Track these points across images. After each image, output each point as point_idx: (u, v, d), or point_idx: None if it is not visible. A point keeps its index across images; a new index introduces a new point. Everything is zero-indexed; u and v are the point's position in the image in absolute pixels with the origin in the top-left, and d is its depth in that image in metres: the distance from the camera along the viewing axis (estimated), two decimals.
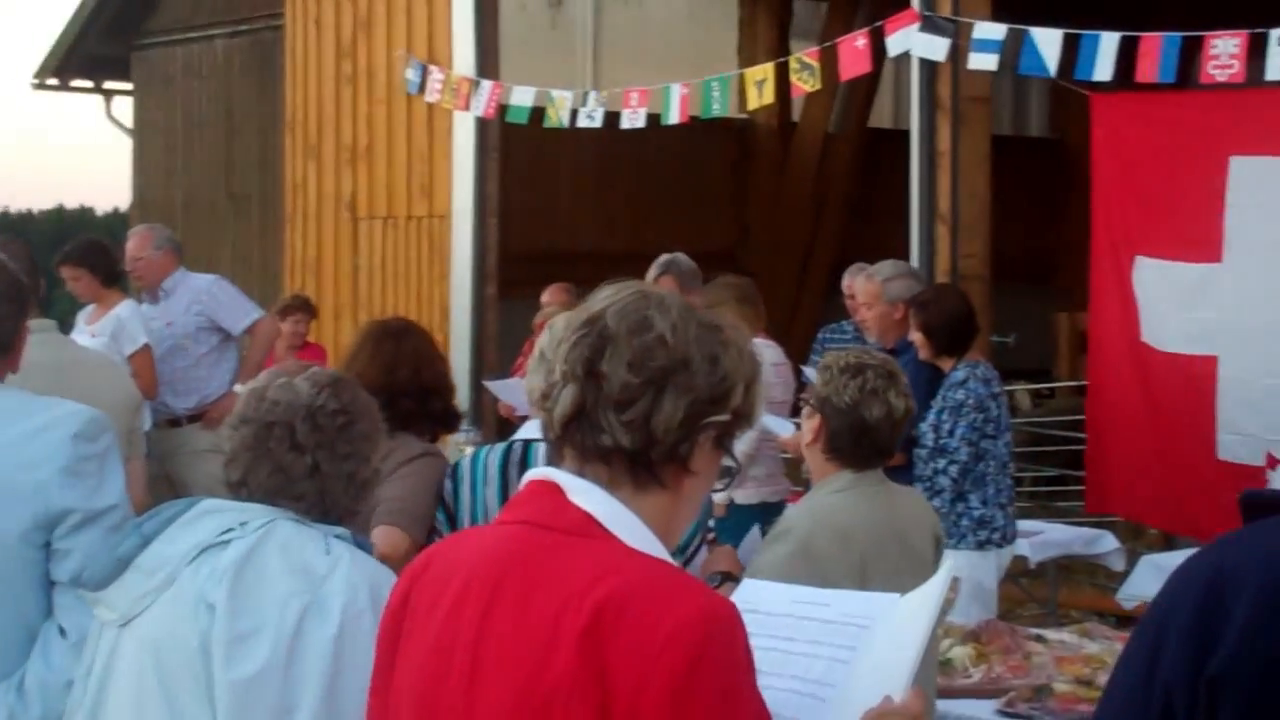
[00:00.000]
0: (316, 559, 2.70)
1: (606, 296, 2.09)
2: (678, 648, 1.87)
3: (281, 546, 2.70)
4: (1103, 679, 4.40)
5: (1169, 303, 8.27)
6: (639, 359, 2.02)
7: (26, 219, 26.60)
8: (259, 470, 2.80)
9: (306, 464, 2.80)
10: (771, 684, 2.24)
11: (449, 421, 4.38)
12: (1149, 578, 6.64)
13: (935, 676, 4.06)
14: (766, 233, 15.28)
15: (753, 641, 2.34)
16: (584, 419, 2.04)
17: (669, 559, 2.04)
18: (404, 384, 4.19)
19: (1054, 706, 4.26)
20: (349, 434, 2.84)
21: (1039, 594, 8.52)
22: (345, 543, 2.77)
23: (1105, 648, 4.67)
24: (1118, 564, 7.56)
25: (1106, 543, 7.57)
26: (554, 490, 2.05)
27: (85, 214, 28.80)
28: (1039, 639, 4.75)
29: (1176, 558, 6.80)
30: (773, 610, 2.42)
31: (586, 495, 2.04)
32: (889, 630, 2.35)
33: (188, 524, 2.74)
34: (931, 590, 2.39)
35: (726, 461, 2.13)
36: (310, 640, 2.63)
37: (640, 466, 2.03)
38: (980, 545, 6.36)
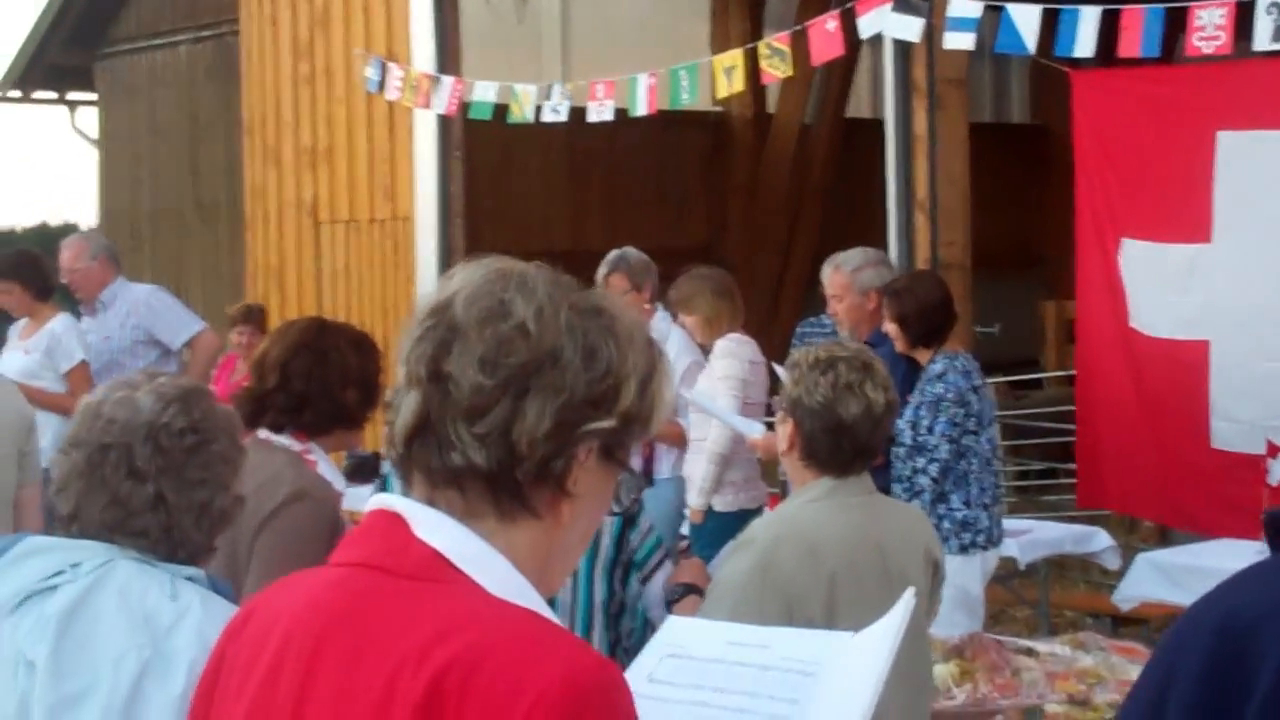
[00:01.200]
0: (160, 606, 2.33)
1: (460, 278, 1.71)
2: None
3: (119, 592, 2.34)
4: (1099, 697, 4.07)
5: (1158, 286, 8.03)
6: (493, 355, 1.64)
7: (9, 236, 26.20)
8: (93, 502, 2.43)
9: (148, 493, 2.43)
10: None
11: (359, 418, 3.84)
12: (1146, 577, 6.30)
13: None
14: (744, 227, 14.96)
15: (675, 694, 1.98)
16: (429, 432, 1.66)
17: (543, 609, 1.66)
18: (309, 371, 3.68)
19: None
20: (201, 456, 2.46)
21: (1029, 596, 8.18)
22: (197, 586, 2.40)
23: (1101, 660, 4.33)
24: (1112, 562, 7.22)
25: (1100, 540, 7.23)
26: (397, 523, 1.67)
27: (70, 230, 28.38)
28: (1029, 652, 4.41)
29: (1175, 556, 6.50)
30: (702, 655, 2.07)
31: (435, 529, 1.65)
32: (839, 677, 2.00)
33: (8, 566, 2.37)
34: (888, 626, 2.04)
35: (622, 478, 1.75)
36: (149, 703, 2.28)
37: (503, 491, 1.65)
38: (964, 549, 6.00)
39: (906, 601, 2.08)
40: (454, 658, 1.53)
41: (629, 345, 1.70)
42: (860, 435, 3.46)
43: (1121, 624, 7.28)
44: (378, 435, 3.00)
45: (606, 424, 1.67)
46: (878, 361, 3.58)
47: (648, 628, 3.76)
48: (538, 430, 1.64)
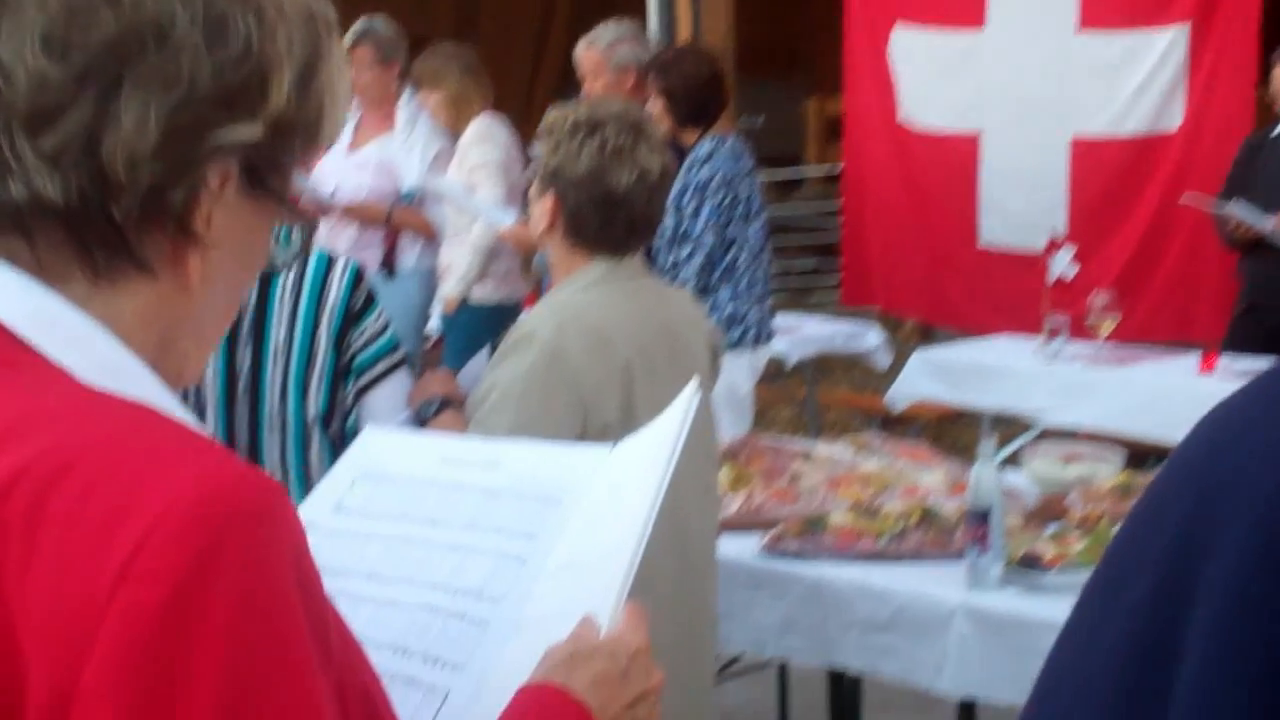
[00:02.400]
0: None
1: None
2: (156, 557, 0.98)
3: None
4: (888, 505, 3.69)
5: (929, 76, 7.74)
6: (62, 30, 1.09)
7: None
8: None
9: None
10: (397, 597, 1.45)
11: None
12: (920, 376, 5.97)
13: (709, 563, 3.22)
14: (496, 6, 14.25)
15: (370, 527, 1.48)
16: None
17: (166, 402, 1.13)
18: None
19: (829, 543, 3.51)
20: None
21: (797, 395, 7.86)
22: None
23: (885, 465, 3.94)
24: (883, 360, 6.89)
25: (871, 338, 6.89)
26: None
27: None
28: (806, 456, 4.01)
29: (951, 353, 6.19)
30: (408, 476, 1.58)
31: None
32: (599, 500, 1.50)
33: None
34: (666, 429, 1.52)
35: (284, 214, 1.19)
36: None
37: (93, 237, 1.11)
38: (732, 346, 5.58)
39: (689, 396, 1.58)
40: (21, 469, 1.00)
41: (278, 15, 1.15)
42: (635, 207, 2.96)
43: (890, 424, 6.99)
44: None
45: (248, 133, 1.13)
46: (649, 121, 3.07)
47: None
48: (140, 143, 1.09)
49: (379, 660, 1.21)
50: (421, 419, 3.12)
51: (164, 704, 0.96)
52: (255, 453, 3.01)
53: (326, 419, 3.08)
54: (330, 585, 1.08)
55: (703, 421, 2.99)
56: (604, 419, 2.85)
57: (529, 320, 2.98)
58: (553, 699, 1.32)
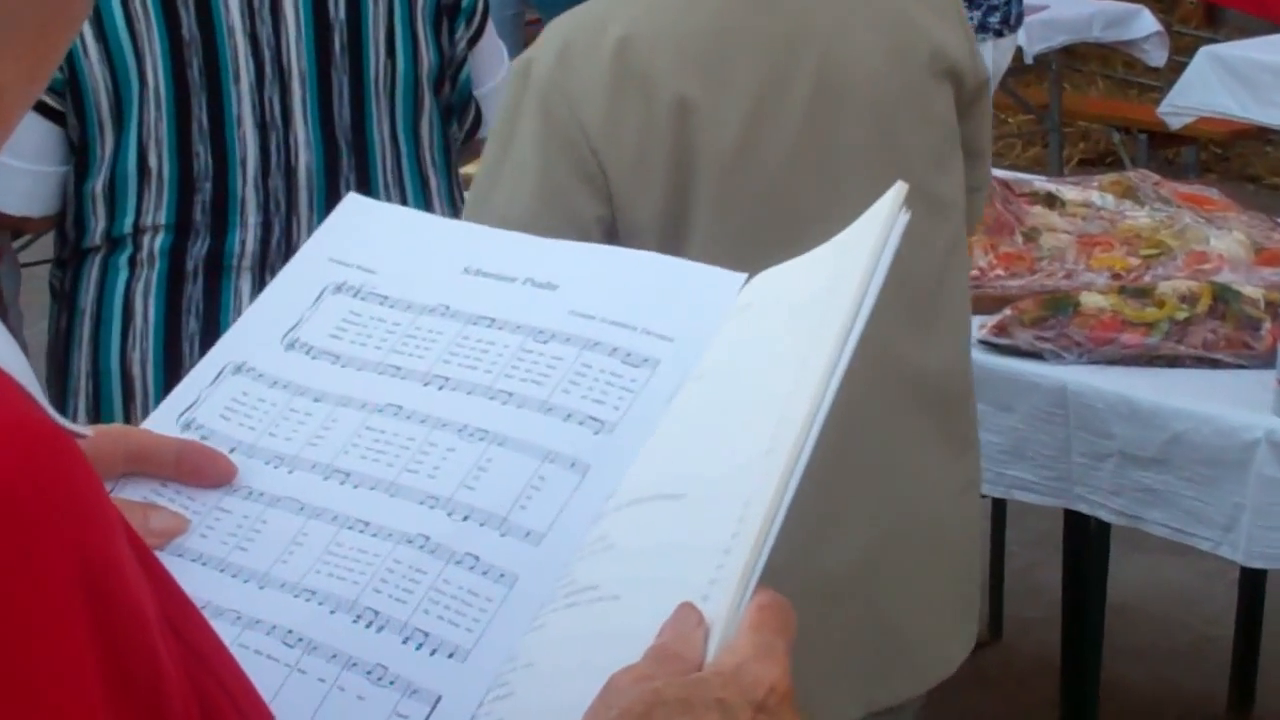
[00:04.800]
0: None
1: None
2: None
3: None
4: (1164, 282, 2.65)
5: None
6: None
7: None
8: None
9: None
10: (366, 518, 0.97)
11: None
12: (1208, 80, 4.76)
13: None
14: None
15: (335, 384, 1.05)
16: None
17: None
18: None
19: (1079, 336, 2.52)
20: None
21: (1035, 100, 6.62)
22: None
23: (1161, 217, 2.87)
24: (1157, 56, 5.68)
25: (1142, 23, 5.66)
26: None
27: None
28: (1049, 200, 2.96)
29: (1253, 50, 4.97)
30: (407, 295, 1.07)
31: None
32: (720, 369, 0.98)
33: None
34: (855, 250, 0.93)
35: None
36: None
37: None
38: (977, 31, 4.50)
39: (893, 199, 0.94)
40: None
41: None
42: None
43: (1162, 144, 5.79)
44: None
45: None
46: None
47: (475, 118, 2.40)
48: None
49: (315, 664, 0.90)
50: None
51: None
52: (362, 131, 2.26)
53: (438, 79, 2.33)
54: (243, 501, 0.96)
55: (940, 236, 1.95)
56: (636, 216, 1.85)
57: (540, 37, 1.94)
58: None
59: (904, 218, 0.95)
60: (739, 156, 1.81)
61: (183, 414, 1.04)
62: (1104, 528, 2.74)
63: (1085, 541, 2.86)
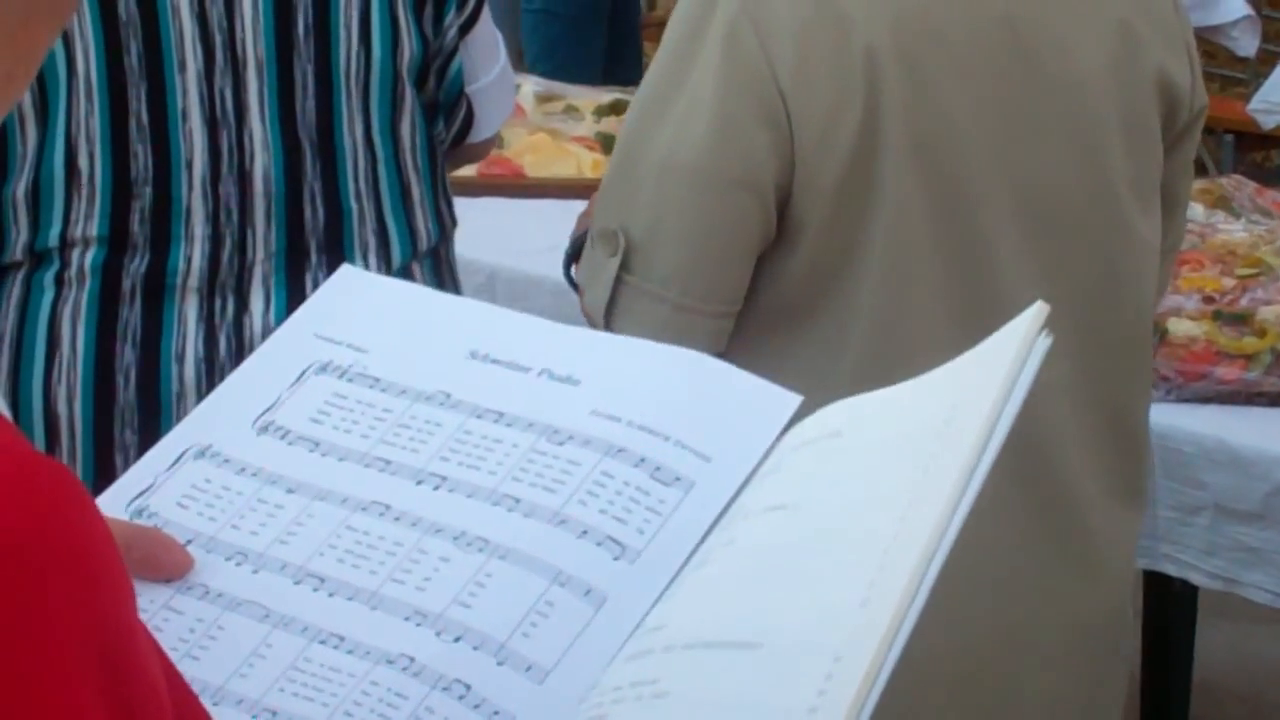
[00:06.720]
0: None
1: None
2: None
3: None
4: (1263, 308, 2.39)
5: None
6: None
7: None
8: None
9: None
10: (343, 633, 0.90)
11: None
12: None
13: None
14: None
15: (314, 474, 0.99)
16: None
17: None
18: None
19: (1166, 371, 2.26)
20: None
21: None
22: None
23: (1266, 229, 2.59)
24: (1246, 45, 5.38)
25: (1230, 6, 5.37)
26: None
27: None
28: None
29: None
30: (400, 380, 0.99)
31: None
32: (798, 510, 0.86)
33: None
34: (985, 388, 0.81)
35: None
36: None
37: None
38: None
39: (1033, 320, 0.82)
40: None
41: None
42: None
43: (1246, 146, 5.48)
44: None
45: None
46: None
47: (465, 118, 2.13)
48: None
49: None
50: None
51: None
52: (329, 130, 2.02)
53: (421, 72, 2.08)
54: (198, 602, 0.91)
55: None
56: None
57: None
58: None
59: (1044, 343, 0.85)
60: (931, 128, 1.66)
61: (134, 500, 0.97)
62: (1190, 592, 2.48)
63: (1168, 608, 2.58)
